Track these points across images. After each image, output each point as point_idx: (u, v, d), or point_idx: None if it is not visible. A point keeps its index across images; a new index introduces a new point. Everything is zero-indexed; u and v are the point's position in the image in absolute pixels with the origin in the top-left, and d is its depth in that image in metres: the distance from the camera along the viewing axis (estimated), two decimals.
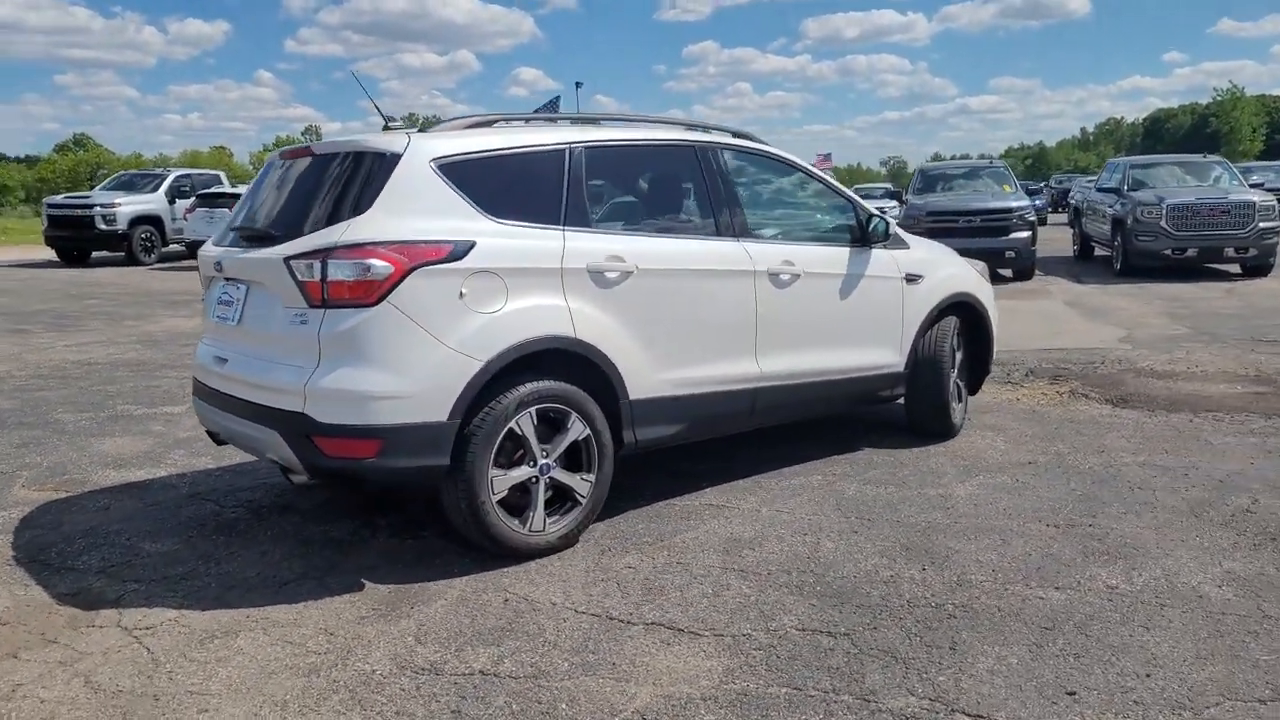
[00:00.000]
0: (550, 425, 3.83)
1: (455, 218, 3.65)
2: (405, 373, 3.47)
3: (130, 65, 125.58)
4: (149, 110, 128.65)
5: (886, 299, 5.08)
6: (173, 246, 20.26)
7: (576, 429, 3.87)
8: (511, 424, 3.68)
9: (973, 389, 5.85)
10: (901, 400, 5.39)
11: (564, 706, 2.73)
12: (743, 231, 4.51)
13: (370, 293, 3.44)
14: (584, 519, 3.94)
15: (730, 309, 4.39)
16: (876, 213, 5.09)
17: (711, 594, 3.44)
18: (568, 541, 3.87)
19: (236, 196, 18.99)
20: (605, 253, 3.96)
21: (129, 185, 21.36)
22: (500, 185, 3.84)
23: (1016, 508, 4.29)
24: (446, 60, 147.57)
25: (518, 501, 3.77)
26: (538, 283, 3.77)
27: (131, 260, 19.57)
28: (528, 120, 4.26)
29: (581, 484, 3.91)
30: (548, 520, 3.83)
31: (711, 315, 4.33)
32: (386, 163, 3.62)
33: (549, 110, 5.22)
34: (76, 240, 19.56)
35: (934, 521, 4.13)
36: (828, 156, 30.74)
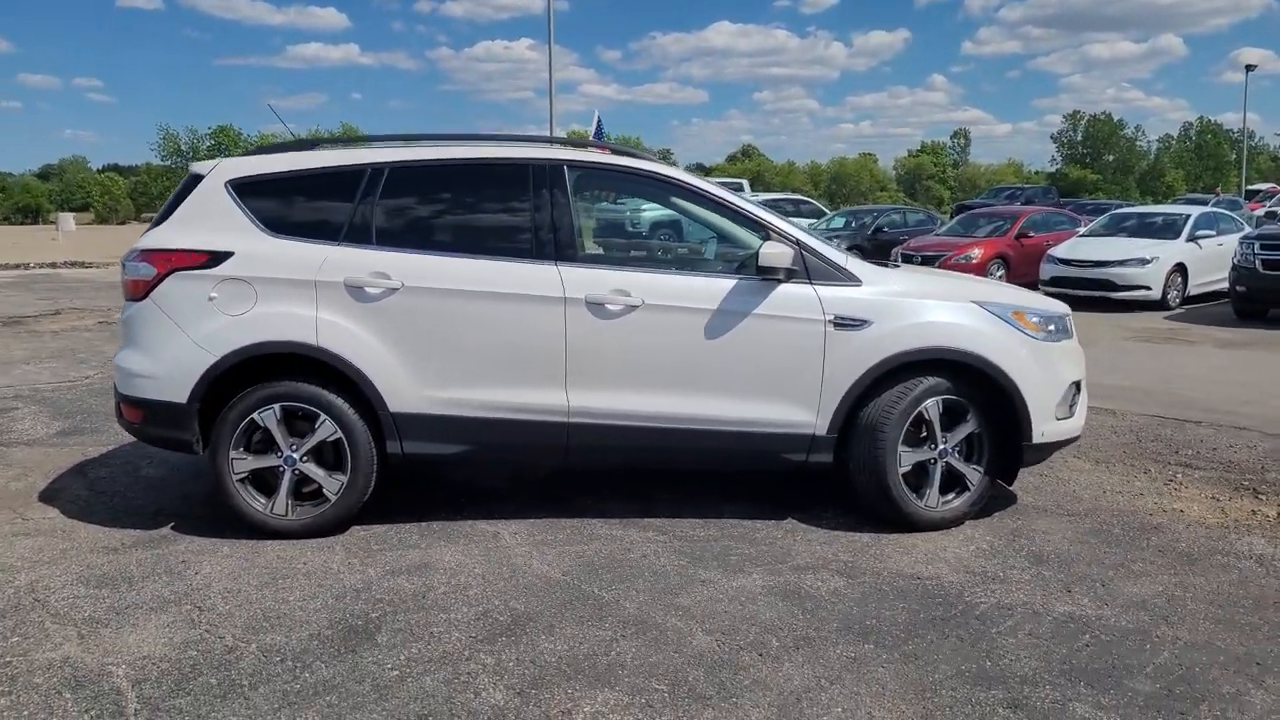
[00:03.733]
0: (306, 422, 4.20)
1: (232, 231, 4.23)
2: (157, 357, 4.18)
3: (815, 79, 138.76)
4: (826, 121, 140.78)
5: (794, 344, 4.25)
6: None
7: (326, 429, 4.18)
8: (253, 415, 4.15)
9: (1003, 475, 4.49)
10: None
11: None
12: (564, 255, 4.24)
13: (140, 289, 4.21)
14: (334, 514, 4.22)
15: (529, 335, 4.19)
16: (794, 241, 4.28)
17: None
18: (309, 531, 4.21)
19: None
20: (369, 268, 4.16)
21: None
22: (284, 203, 4.29)
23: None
24: (1144, 47, 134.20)
25: (274, 485, 4.21)
26: (289, 292, 4.15)
27: None
28: (353, 143, 4.57)
29: (330, 481, 4.21)
30: (295, 506, 4.22)
31: (501, 339, 4.20)
32: (192, 182, 4.34)
33: (598, 132, 5.16)
34: None
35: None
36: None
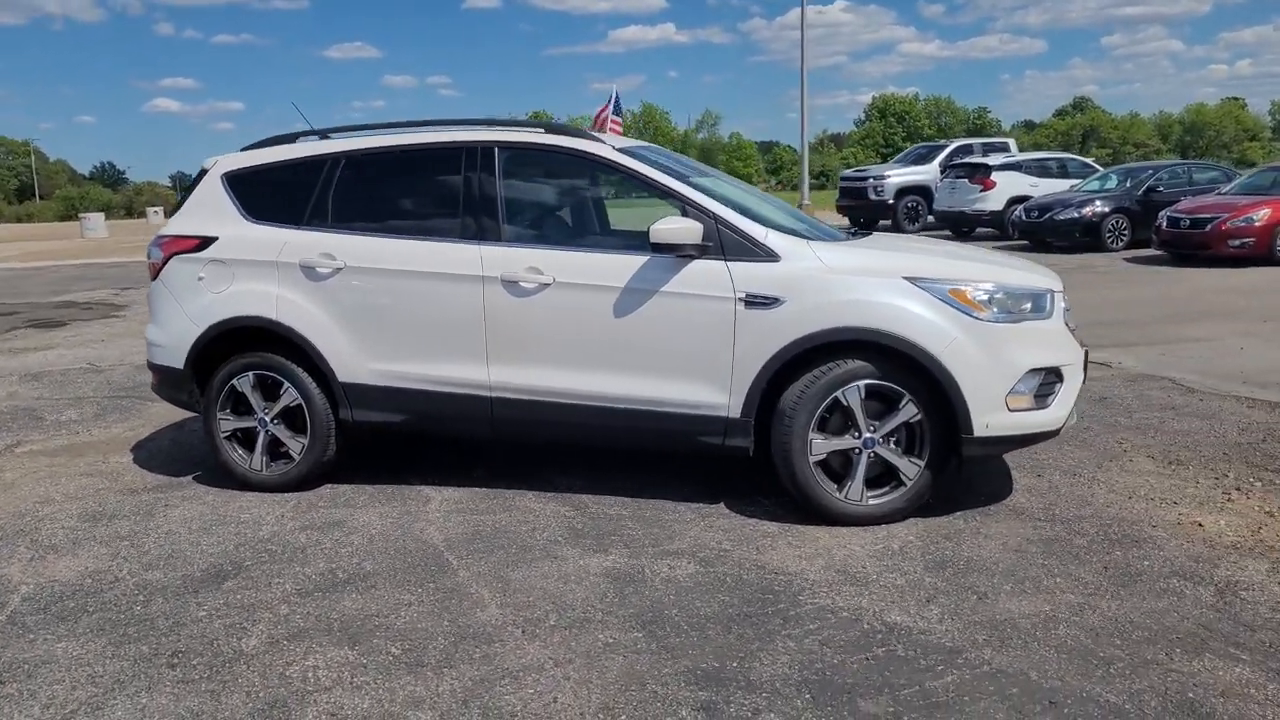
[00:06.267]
0: (276, 389, 4.72)
1: (224, 219, 4.82)
2: (165, 329, 4.88)
3: (1180, 16, 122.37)
4: (1191, 62, 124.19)
5: (704, 322, 4.11)
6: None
7: (290, 396, 4.68)
8: (234, 381, 4.74)
9: (935, 465, 4.05)
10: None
11: None
12: (486, 234, 4.40)
13: (154, 271, 4.93)
14: (299, 472, 4.72)
15: (453, 312, 4.40)
16: (710, 216, 4.12)
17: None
18: (280, 485, 4.74)
19: (982, 167, 19.41)
20: (319, 250, 4.58)
21: (922, 157, 23.21)
22: (263, 192, 4.81)
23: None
24: None
25: (250, 444, 4.79)
26: (256, 272, 4.68)
27: (896, 228, 21.54)
28: (327, 134, 4.94)
29: (294, 442, 4.71)
30: (270, 463, 4.77)
31: (429, 316, 4.44)
32: (200, 175, 4.98)
33: (615, 106, 5.20)
34: (857, 209, 22.34)
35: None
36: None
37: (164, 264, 4.89)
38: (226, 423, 4.79)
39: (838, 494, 4.05)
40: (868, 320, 3.94)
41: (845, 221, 23.22)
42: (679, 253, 4.10)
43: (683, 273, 4.13)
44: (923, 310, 3.92)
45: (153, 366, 5.01)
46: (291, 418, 4.72)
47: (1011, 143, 24.44)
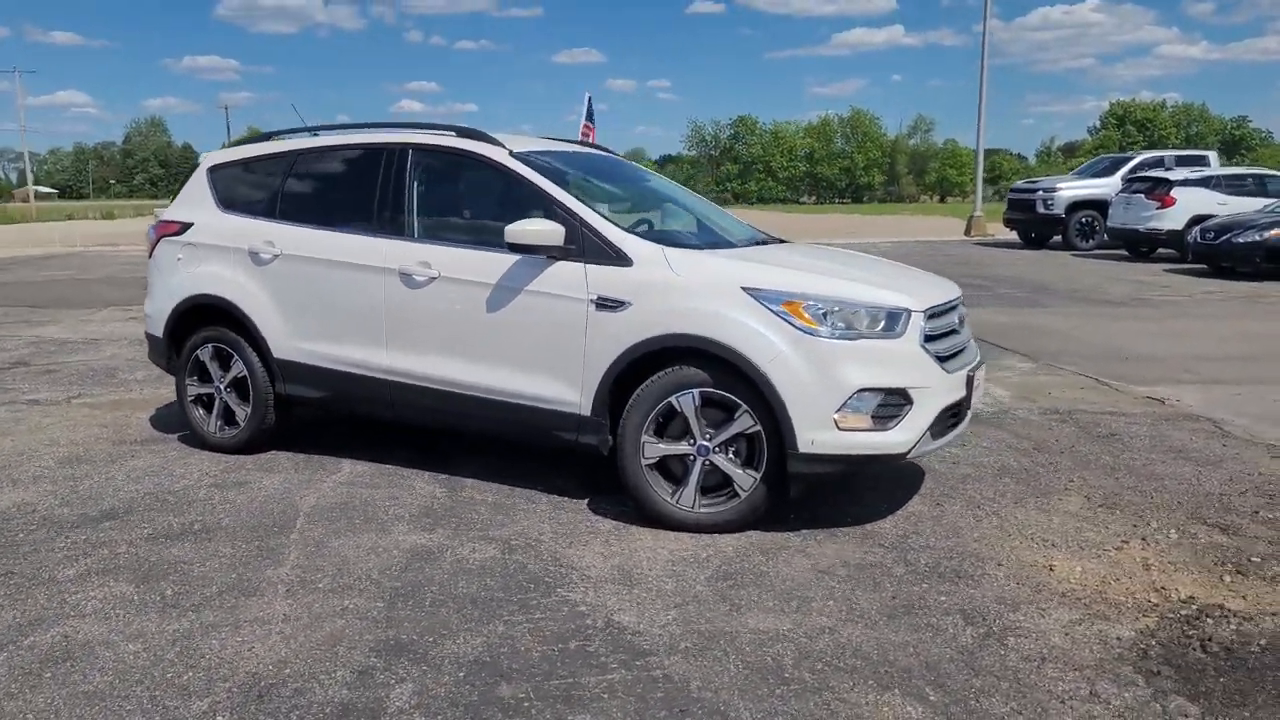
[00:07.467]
0: (228, 360, 5.29)
1: (203, 208, 5.44)
2: (153, 302, 5.56)
3: None
4: None
5: (559, 321, 4.26)
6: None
7: (238, 367, 5.23)
8: (197, 352, 5.35)
9: (770, 479, 4.00)
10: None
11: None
12: (394, 229, 4.74)
13: (150, 250, 5.62)
14: (244, 436, 5.25)
15: (359, 300, 4.78)
16: (574, 219, 4.27)
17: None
18: (230, 448, 5.28)
19: (1162, 182, 17.93)
20: (263, 237, 5.09)
21: (1106, 169, 21.54)
22: (232, 185, 5.38)
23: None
24: None
25: (211, 408, 5.39)
26: (217, 256, 5.25)
27: (1067, 245, 20.17)
28: (293, 133, 5.41)
29: (239, 409, 5.26)
30: (223, 427, 5.34)
31: (341, 302, 4.84)
32: (193, 168, 5.63)
33: (588, 112, 5.34)
34: (1025, 223, 21.06)
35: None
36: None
37: (155, 245, 5.57)
38: (192, 388, 5.40)
39: (669, 498, 4.09)
40: (698, 328, 3.96)
41: (1013, 235, 22.04)
42: (542, 253, 4.27)
43: (546, 273, 4.29)
44: (751, 321, 3.89)
45: (149, 338, 5.71)
46: (241, 387, 5.26)
47: (1212, 156, 22.13)
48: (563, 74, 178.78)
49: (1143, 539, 4.11)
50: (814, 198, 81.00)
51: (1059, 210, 20.21)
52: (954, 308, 4.39)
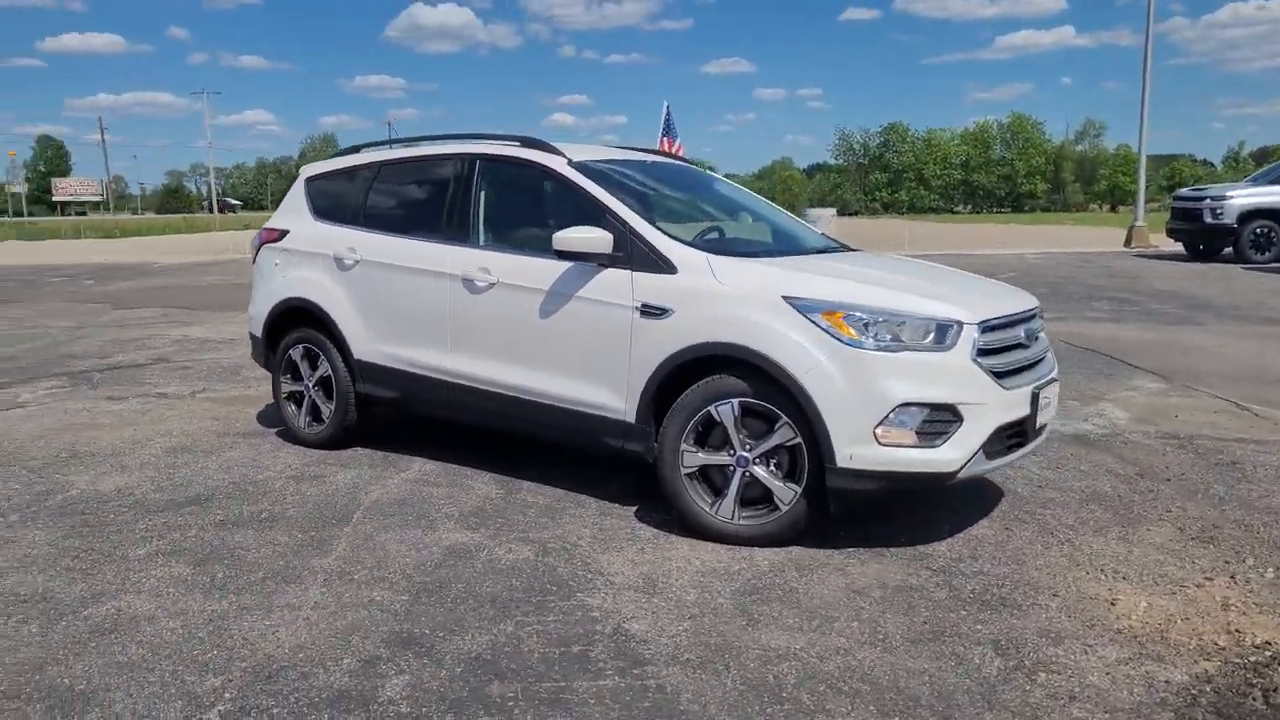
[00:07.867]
0: (316, 360, 5.58)
1: (299, 217, 5.77)
2: (255, 304, 5.92)
3: None
4: None
5: (607, 328, 4.29)
6: None
7: (324, 367, 5.52)
8: (290, 352, 5.67)
9: (811, 493, 3.89)
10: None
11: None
12: (460, 236, 4.89)
13: (253, 256, 5.99)
14: (329, 433, 5.53)
15: (427, 305, 4.96)
16: (623, 227, 4.29)
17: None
18: (317, 444, 5.57)
19: None
20: (346, 244, 5.35)
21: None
22: (325, 194, 5.67)
23: None
24: None
25: (301, 405, 5.70)
26: (308, 262, 5.55)
27: (1239, 258, 18.66)
28: (379, 145, 5.64)
29: (325, 407, 5.54)
30: (311, 424, 5.64)
31: (411, 307, 5.03)
32: (295, 179, 5.96)
33: (666, 123, 5.32)
34: (1191, 234, 19.59)
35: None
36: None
37: (258, 251, 5.94)
38: (285, 385, 5.72)
39: (709, 509, 4.04)
40: (737, 337, 3.90)
41: (1178, 246, 20.58)
42: (591, 260, 4.31)
43: (595, 279, 4.33)
44: (788, 330, 3.80)
45: (252, 338, 6.09)
46: (326, 386, 5.54)
47: None
48: (710, 84, 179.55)
49: (1231, 576, 3.77)
50: (969, 207, 78.05)
51: (1230, 220, 18.70)
52: (1021, 320, 4.15)
